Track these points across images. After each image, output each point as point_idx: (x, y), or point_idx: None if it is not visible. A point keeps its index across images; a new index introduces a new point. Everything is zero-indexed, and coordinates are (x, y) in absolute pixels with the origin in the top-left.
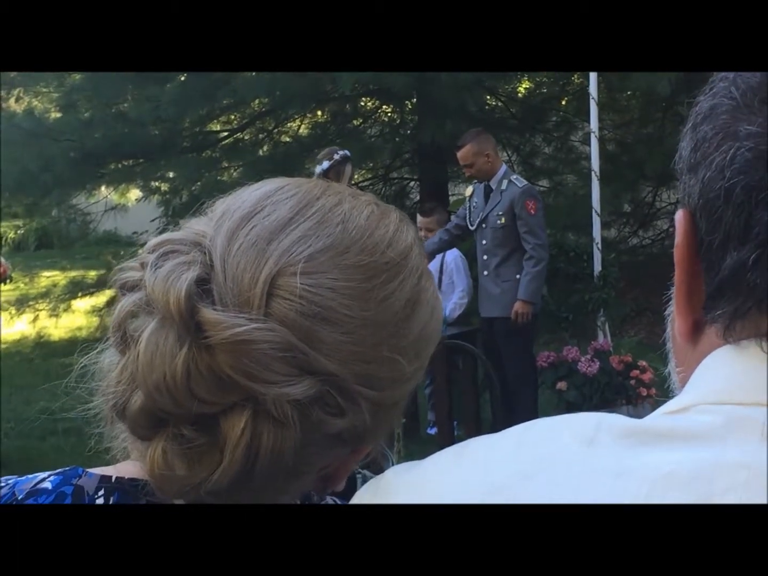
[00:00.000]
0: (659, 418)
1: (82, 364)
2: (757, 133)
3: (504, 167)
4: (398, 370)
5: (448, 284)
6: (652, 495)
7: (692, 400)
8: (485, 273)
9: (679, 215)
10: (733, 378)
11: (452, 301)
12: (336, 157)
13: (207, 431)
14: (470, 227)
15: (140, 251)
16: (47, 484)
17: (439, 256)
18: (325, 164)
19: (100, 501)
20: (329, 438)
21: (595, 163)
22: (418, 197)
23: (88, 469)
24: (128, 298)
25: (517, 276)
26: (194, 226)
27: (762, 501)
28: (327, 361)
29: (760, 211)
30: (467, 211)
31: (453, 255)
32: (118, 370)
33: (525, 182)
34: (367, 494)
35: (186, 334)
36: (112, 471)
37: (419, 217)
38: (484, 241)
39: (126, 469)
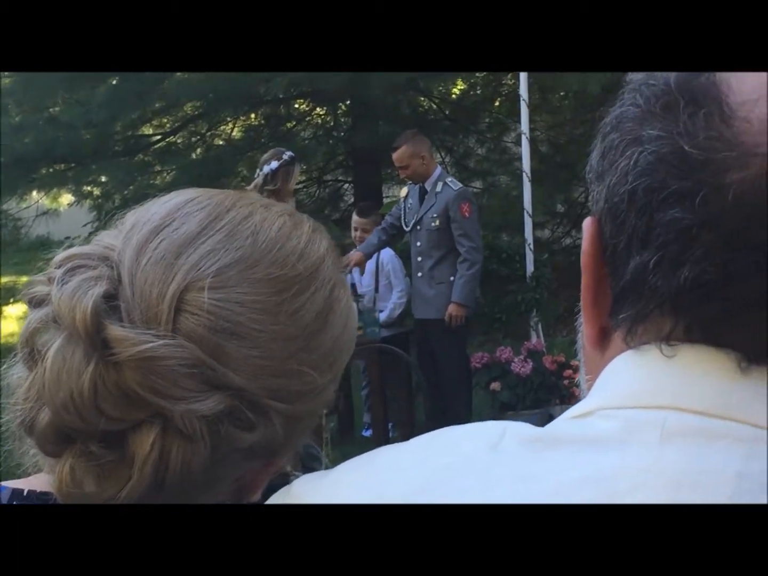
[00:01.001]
0: (563, 422)
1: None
2: (658, 136)
3: (439, 169)
4: (310, 382)
5: (386, 285)
6: (556, 499)
7: (595, 405)
8: (419, 274)
9: (587, 222)
10: (633, 382)
11: (391, 302)
12: (285, 157)
13: (115, 448)
14: (405, 228)
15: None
16: None
17: (374, 257)
18: (274, 164)
19: None
20: (240, 452)
21: (526, 164)
22: (352, 199)
23: (0, 483)
24: (36, 314)
25: (451, 278)
26: (103, 240)
27: (662, 503)
28: (236, 375)
29: (661, 212)
30: (402, 212)
31: (389, 255)
32: (26, 386)
33: (460, 185)
34: (275, 503)
35: (93, 351)
36: (23, 484)
37: (356, 217)
38: (418, 243)
39: (37, 482)
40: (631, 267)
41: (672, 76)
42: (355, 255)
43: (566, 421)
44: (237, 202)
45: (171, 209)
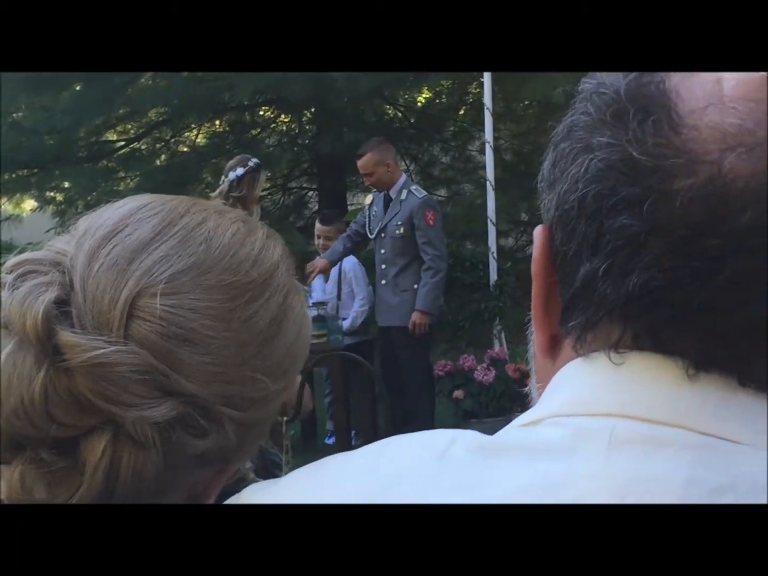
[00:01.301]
0: (512, 430)
1: None
2: (608, 143)
3: (404, 177)
4: (263, 389)
5: (348, 293)
6: None
7: (543, 413)
8: (383, 282)
9: (537, 230)
10: (582, 390)
11: (353, 310)
12: (250, 164)
13: (66, 454)
14: (369, 236)
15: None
16: None
17: (336, 265)
18: (240, 171)
19: None
20: (193, 458)
21: (490, 172)
22: (316, 207)
23: None
24: None
25: (415, 286)
26: (55, 245)
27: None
28: (188, 382)
29: (611, 219)
30: (366, 220)
31: (351, 263)
32: None
33: (424, 193)
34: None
35: (44, 357)
36: None
37: (319, 225)
38: (383, 251)
39: None
40: (581, 274)
41: (622, 84)
42: (319, 262)
43: (515, 429)
44: (191, 208)
45: (124, 215)
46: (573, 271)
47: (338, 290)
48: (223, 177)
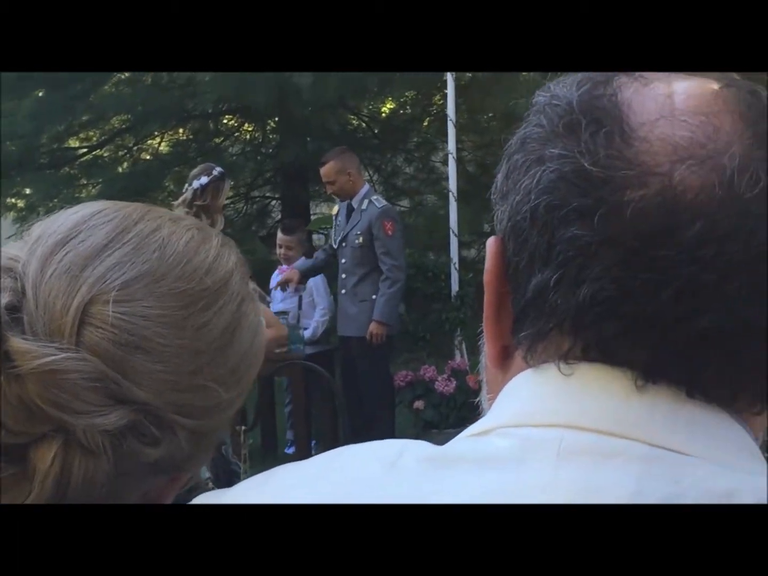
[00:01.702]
0: (461, 441)
1: None
2: (560, 155)
3: (367, 187)
4: (216, 398)
5: (309, 303)
6: None
7: (493, 423)
8: (343, 291)
9: (490, 241)
10: (531, 401)
11: (314, 320)
12: (215, 173)
13: (16, 462)
14: (333, 246)
15: None
16: None
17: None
18: (204, 179)
19: None
20: (145, 467)
21: (453, 183)
22: (279, 216)
23: None
24: None
25: (374, 296)
26: (8, 251)
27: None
28: (140, 390)
29: (562, 230)
30: (333, 230)
31: None
32: None
33: (385, 203)
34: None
35: None
36: None
37: (280, 235)
38: (343, 260)
39: None
40: (533, 285)
41: (575, 96)
42: (296, 275)
43: (465, 439)
44: (145, 215)
45: (78, 221)
46: (524, 282)
47: (299, 300)
48: (186, 185)
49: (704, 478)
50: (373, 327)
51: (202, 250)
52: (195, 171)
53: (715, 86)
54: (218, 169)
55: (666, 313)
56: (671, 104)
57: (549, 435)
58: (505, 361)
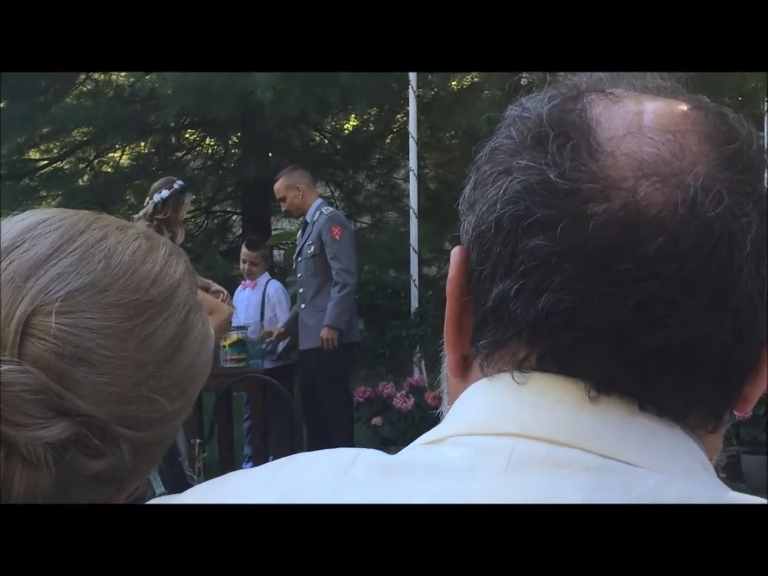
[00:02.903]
0: (415, 449)
1: None
2: (527, 166)
3: (319, 201)
4: (160, 410)
5: (271, 318)
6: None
7: (446, 432)
8: (303, 306)
9: (454, 250)
10: (484, 409)
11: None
12: (175, 186)
13: None
14: (293, 265)
15: None
16: None
17: (260, 289)
18: (165, 193)
19: None
20: (88, 479)
21: (413, 200)
22: (240, 231)
23: None
24: None
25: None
26: None
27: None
28: (83, 402)
29: (525, 240)
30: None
31: (275, 288)
32: None
33: (332, 209)
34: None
35: None
36: None
37: (245, 250)
38: (299, 274)
39: None
40: (494, 294)
41: (545, 110)
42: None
43: (418, 447)
44: (91, 224)
45: (23, 230)
46: (486, 291)
47: (261, 314)
48: (147, 199)
49: (655, 488)
50: (323, 332)
51: (149, 259)
52: (156, 184)
53: (684, 107)
54: (179, 182)
55: (623, 326)
56: (639, 121)
57: (501, 444)
58: (464, 371)
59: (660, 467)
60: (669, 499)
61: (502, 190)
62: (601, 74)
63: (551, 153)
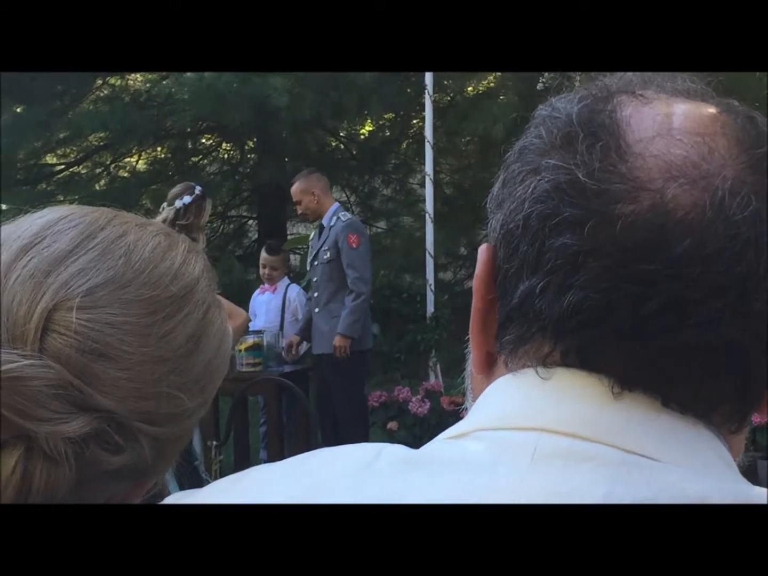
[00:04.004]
0: (438, 443)
1: None
2: (556, 166)
3: (336, 206)
4: (179, 405)
5: (291, 322)
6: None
7: (470, 426)
8: (317, 310)
9: (482, 248)
10: (509, 404)
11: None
12: (197, 191)
13: None
14: (308, 268)
15: None
16: None
17: (280, 293)
18: (187, 198)
19: None
20: (107, 474)
21: (429, 205)
22: (256, 236)
23: None
24: None
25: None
26: None
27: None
28: (103, 398)
29: (552, 239)
30: (308, 254)
31: (296, 291)
32: None
33: (349, 216)
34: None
35: None
36: None
37: (264, 255)
38: (315, 278)
39: None
40: (520, 291)
41: (575, 110)
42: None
43: (441, 441)
44: (111, 220)
45: (43, 226)
46: (512, 289)
47: (281, 319)
48: (164, 204)
49: (677, 482)
50: (336, 340)
51: (168, 256)
52: (176, 190)
53: (713, 110)
54: (198, 188)
55: (647, 325)
56: (669, 123)
57: (524, 438)
58: (489, 368)
59: (683, 463)
60: (692, 494)
61: (530, 189)
62: (632, 76)
63: (580, 153)
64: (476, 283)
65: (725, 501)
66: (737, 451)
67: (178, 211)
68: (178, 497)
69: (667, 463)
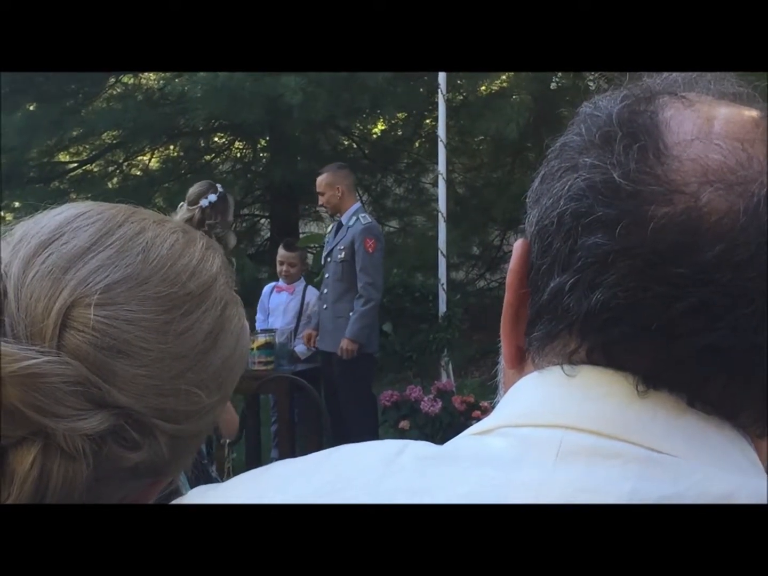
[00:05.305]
0: (462, 439)
1: None
2: (592, 164)
3: (357, 205)
4: (197, 402)
5: (306, 324)
6: None
7: (495, 423)
8: (324, 307)
9: (518, 243)
10: (534, 401)
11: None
12: (220, 190)
13: None
14: (322, 263)
15: None
16: None
17: (298, 295)
18: (212, 197)
19: None
20: (125, 471)
21: (442, 205)
22: (268, 234)
23: None
24: None
25: (350, 314)
26: None
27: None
28: (121, 394)
29: (584, 237)
30: (324, 249)
31: (314, 294)
32: None
33: (370, 220)
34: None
35: None
36: None
37: (283, 252)
38: (327, 275)
39: None
40: (550, 288)
41: (615, 109)
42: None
43: (466, 438)
44: (129, 217)
45: (61, 222)
46: (543, 285)
47: (297, 321)
48: (182, 204)
49: (702, 480)
50: (343, 343)
51: (186, 253)
52: (198, 189)
53: (756, 115)
54: (219, 186)
55: (674, 326)
56: (709, 127)
57: (550, 435)
58: (520, 362)
59: (708, 461)
60: (717, 491)
61: (566, 187)
62: (677, 77)
63: (617, 153)
64: (510, 278)
65: (751, 499)
66: (765, 455)
67: (204, 210)
68: (201, 491)
69: (693, 461)
